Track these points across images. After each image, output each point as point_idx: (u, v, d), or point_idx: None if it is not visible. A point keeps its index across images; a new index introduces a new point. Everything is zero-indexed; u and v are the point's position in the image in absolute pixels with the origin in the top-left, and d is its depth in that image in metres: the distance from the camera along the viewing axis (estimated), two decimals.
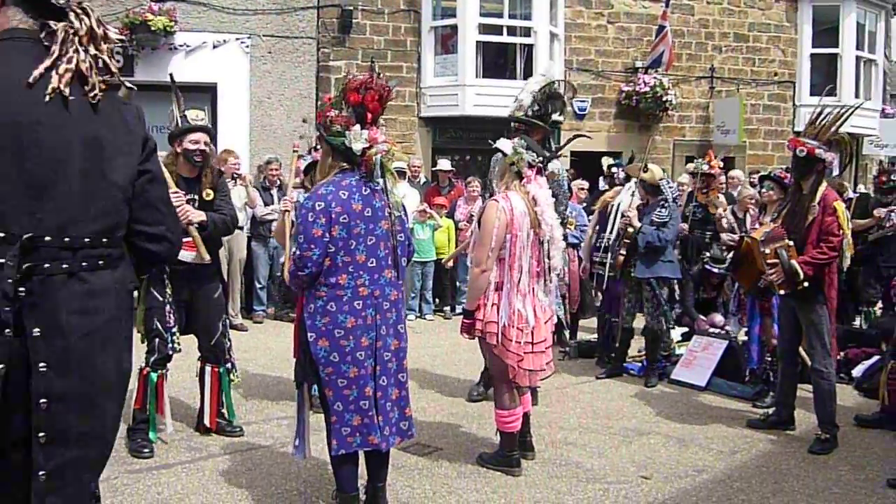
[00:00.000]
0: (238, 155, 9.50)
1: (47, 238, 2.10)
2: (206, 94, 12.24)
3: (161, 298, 4.92)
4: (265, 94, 12.50)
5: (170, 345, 4.93)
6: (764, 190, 6.53)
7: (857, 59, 15.20)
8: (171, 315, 4.94)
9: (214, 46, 12.20)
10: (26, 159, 2.08)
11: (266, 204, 9.60)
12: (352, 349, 3.68)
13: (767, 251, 5.26)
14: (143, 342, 5.05)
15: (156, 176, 2.42)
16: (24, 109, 2.10)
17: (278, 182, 9.83)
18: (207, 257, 4.96)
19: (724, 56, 14.68)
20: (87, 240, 2.17)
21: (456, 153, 12.09)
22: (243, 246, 9.46)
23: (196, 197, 5.07)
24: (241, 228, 9.35)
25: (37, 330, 2.08)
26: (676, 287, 8.15)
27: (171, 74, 5.38)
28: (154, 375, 4.93)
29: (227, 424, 5.31)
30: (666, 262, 6.97)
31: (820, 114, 5.36)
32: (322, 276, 3.66)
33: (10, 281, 2.04)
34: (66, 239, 2.13)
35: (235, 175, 9.24)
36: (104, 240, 2.22)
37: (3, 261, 2.04)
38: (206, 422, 5.24)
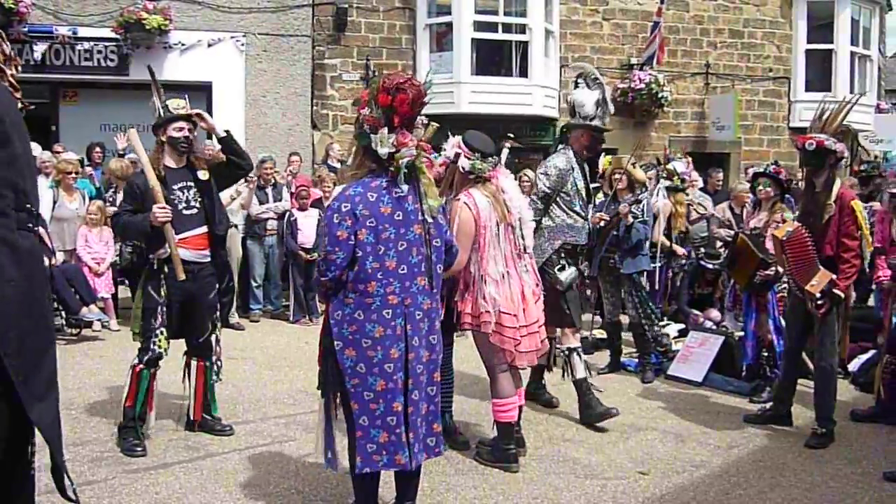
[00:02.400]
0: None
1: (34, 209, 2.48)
2: (201, 92, 12.23)
3: (158, 298, 4.90)
4: (260, 92, 12.50)
5: (155, 345, 4.90)
6: (760, 187, 6.53)
7: (852, 54, 15.24)
8: (161, 316, 4.91)
9: (209, 45, 12.20)
10: (26, 142, 2.45)
11: (261, 203, 9.59)
12: (380, 360, 3.49)
13: (816, 293, 5.16)
14: (135, 340, 5.05)
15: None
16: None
17: (273, 181, 9.81)
18: (182, 276, 4.82)
19: (719, 52, 14.71)
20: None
21: None
22: (239, 245, 9.44)
23: (191, 183, 5.02)
24: (237, 227, 9.35)
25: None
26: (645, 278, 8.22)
27: (149, 66, 5.41)
28: (146, 373, 4.93)
29: (216, 423, 5.30)
30: (644, 255, 7.11)
31: (823, 111, 5.33)
32: (350, 282, 3.50)
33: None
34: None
35: (246, 179, 9.23)
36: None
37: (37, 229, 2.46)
38: (191, 414, 5.24)
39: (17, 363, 2.29)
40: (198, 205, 5.04)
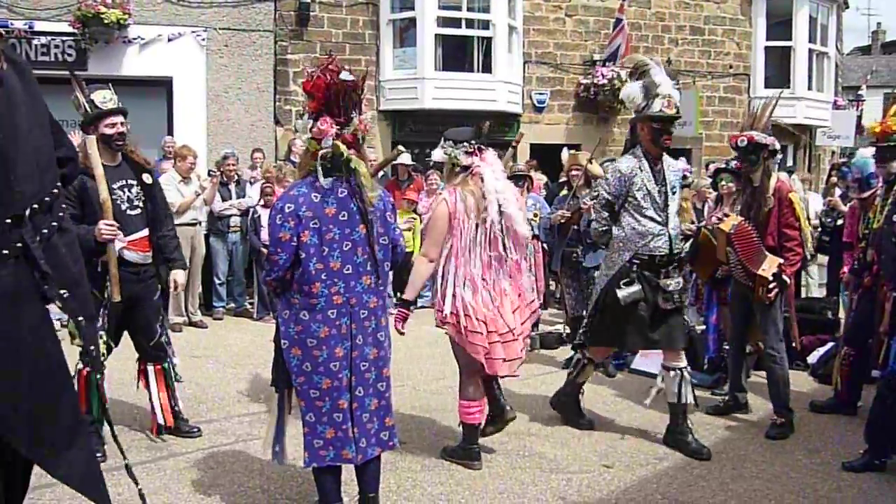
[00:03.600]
0: (196, 152, 9.36)
1: (35, 206, 2.26)
2: (161, 88, 12.09)
3: (99, 299, 4.69)
4: (222, 87, 12.37)
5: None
6: (721, 183, 6.62)
7: (810, 51, 15.51)
8: (101, 318, 4.69)
9: (169, 39, 12.04)
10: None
11: (224, 199, 9.49)
12: (325, 360, 3.52)
13: (768, 276, 5.26)
14: (73, 344, 4.93)
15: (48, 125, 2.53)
16: None
17: (236, 177, 9.72)
18: (118, 298, 4.70)
19: (681, 49, 14.86)
20: (53, 193, 2.38)
21: (415, 146, 12.07)
22: (202, 242, 9.34)
23: (134, 182, 4.87)
24: (200, 224, 9.25)
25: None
26: None
27: (66, 62, 5.19)
28: (94, 376, 4.79)
29: (183, 424, 5.23)
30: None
31: (755, 108, 5.58)
32: (295, 282, 3.51)
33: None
34: (46, 199, 2.31)
35: (210, 173, 9.18)
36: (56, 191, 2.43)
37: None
38: (162, 420, 5.13)
39: (17, 428, 2.07)
40: (141, 204, 4.89)
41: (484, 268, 4.56)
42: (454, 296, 4.48)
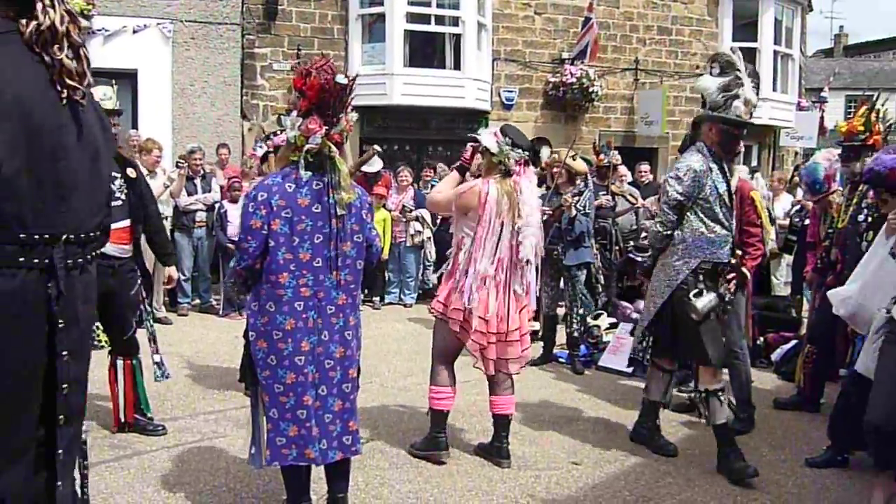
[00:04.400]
0: (161, 145, 9.23)
1: (72, 236, 2.19)
2: (126, 80, 11.86)
3: None
4: (188, 81, 12.21)
5: (94, 341, 4.76)
6: None
7: (775, 53, 15.70)
8: None
9: (135, 31, 11.85)
10: (57, 160, 2.12)
11: (189, 194, 9.38)
12: (290, 353, 3.47)
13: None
14: None
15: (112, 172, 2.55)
16: (47, 112, 2.12)
17: (202, 172, 9.61)
18: None
19: (648, 48, 14.97)
20: (91, 234, 2.28)
21: (384, 142, 12.03)
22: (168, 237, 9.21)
23: (118, 175, 4.87)
24: (166, 219, 9.13)
25: (61, 321, 2.16)
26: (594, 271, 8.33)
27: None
28: None
29: (147, 423, 5.15)
30: (586, 247, 7.15)
31: None
32: (263, 273, 3.48)
33: (62, 280, 2.14)
34: (82, 235, 2.23)
35: (178, 164, 9.07)
36: (98, 233, 2.33)
37: (48, 260, 2.11)
38: (123, 416, 5.08)
39: None
40: (123, 196, 4.90)
41: (500, 267, 4.56)
42: (463, 290, 4.49)
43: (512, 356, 4.66)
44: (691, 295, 4.65)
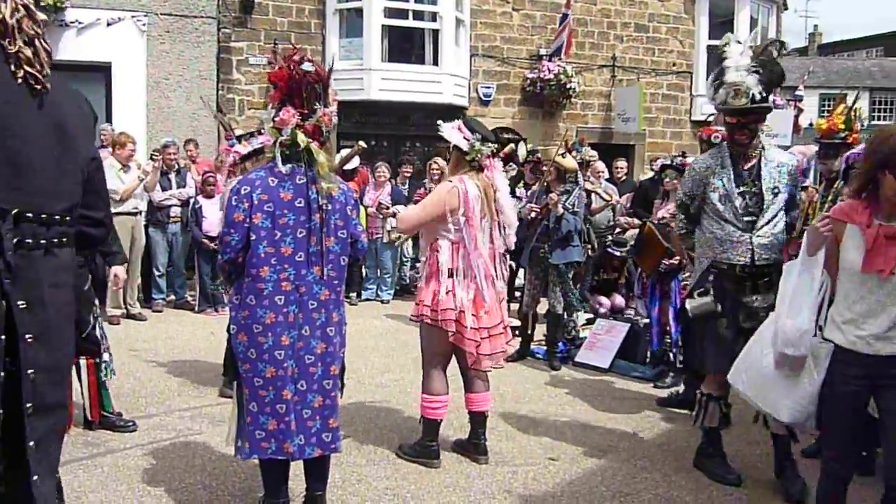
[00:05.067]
0: (135, 139, 9.13)
1: (29, 213, 2.20)
2: (99, 73, 11.74)
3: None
4: (163, 74, 12.08)
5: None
6: (667, 179, 6.69)
7: None
8: None
9: (108, 24, 11.70)
10: (7, 137, 2.16)
11: (164, 189, 9.28)
12: (270, 347, 3.45)
13: None
14: None
15: (100, 163, 2.55)
16: (14, 100, 2.17)
17: (176, 166, 9.51)
18: None
19: (626, 46, 15.03)
20: (57, 217, 2.28)
21: (361, 138, 11.93)
22: (142, 232, 9.12)
23: None
24: (141, 213, 9.04)
25: (21, 302, 2.15)
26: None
27: None
28: None
29: (117, 419, 5.09)
30: (574, 246, 7.11)
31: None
32: (245, 266, 3.47)
33: (9, 252, 2.13)
34: (43, 215, 2.24)
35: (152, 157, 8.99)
36: (68, 218, 2.33)
37: None
38: (89, 415, 5.02)
39: None
40: None
41: (489, 262, 4.58)
42: (450, 291, 4.46)
43: (497, 350, 4.66)
44: (694, 293, 4.52)
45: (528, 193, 7.69)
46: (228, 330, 3.69)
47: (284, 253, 3.46)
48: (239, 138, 5.89)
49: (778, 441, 4.54)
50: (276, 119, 3.48)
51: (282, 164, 3.47)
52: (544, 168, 7.21)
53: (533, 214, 6.92)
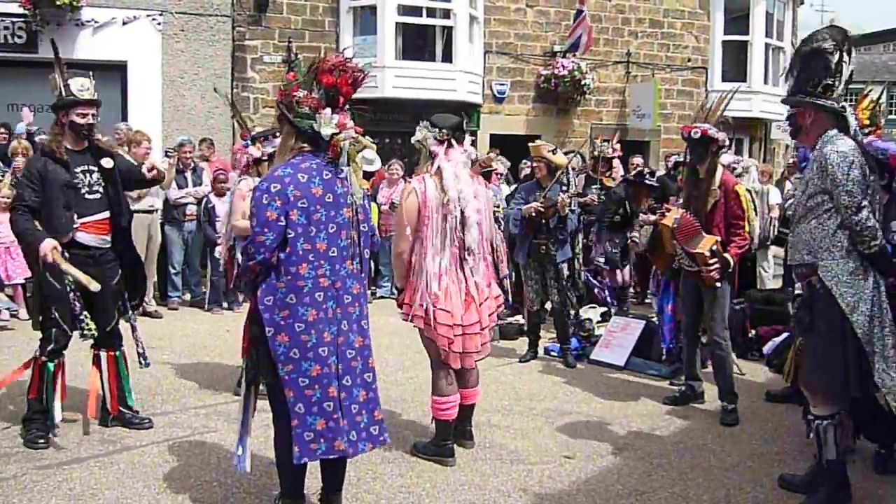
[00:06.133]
0: (150, 137, 9.16)
1: None
2: (115, 72, 11.81)
3: (59, 286, 4.64)
4: (178, 73, 12.14)
5: (85, 330, 4.71)
6: (679, 176, 6.68)
7: (767, 46, 15.70)
8: (77, 302, 4.68)
9: (124, 23, 11.77)
10: None
11: (180, 187, 9.32)
12: (314, 344, 3.42)
13: (705, 252, 5.35)
14: (36, 329, 4.83)
15: None
16: None
17: (192, 165, 9.54)
18: (97, 286, 4.67)
19: (640, 42, 14.96)
20: None
21: (375, 136, 11.94)
22: (158, 230, 9.15)
23: (94, 168, 4.84)
24: (157, 211, 9.08)
25: None
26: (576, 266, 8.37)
27: (52, 40, 5.20)
28: (51, 365, 4.72)
29: (133, 416, 5.12)
30: (568, 243, 7.12)
31: (704, 103, 5.63)
32: (281, 265, 3.40)
33: None
34: None
35: (167, 154, 8.97)
36: None
37: None
38: (108, 407, 5.05)
39: None
40: (101, 189, 4.87)
41: (453, 260, 4.53)
42: (425, 289, 4.45)
43: (471, 349, 4.62)
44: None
45: (521, 187, 7.64)
46: (251, 333, 3.55)
47: (320, 249, 3.44)
48: (254, 139, 5.90)
49: (829, 466, 4.09)
50: (338, 122, 3.49)
51: (344, 166, 3.52)
52: (535, 164, 7.17)
53: (533, 213, 6.85)
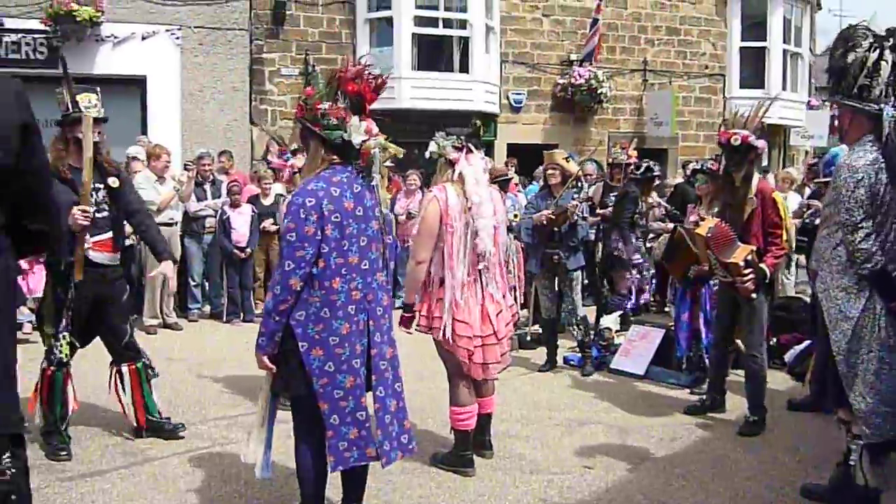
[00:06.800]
0: (170, 151, 9.25)
1: None
2: (135, 86, 11.95)
3: (64, 300, 4.69)
4: (197, 87, 12.25)
5: (56, 348, 4.74)
6: (698, 184, 6.64)
7: (784, 52, 15.63)
8: (65, 319, 4.71)
9: (143, 38, 11.91)
10: None
11: (199, 199, 9.38)
12: (347, 357, 3.44)
13: (740, 262, 5.24)
14: (44, 342, 4.87)
15: (38, 171, 2.38)
16: None
17: (211, 177, 9.61)
18: (80, 277, 4.67)
19: (657, 49, 14.94)
20: None
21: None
22: (178, 243, 9.22)
23: (101, 186, 4.85)
24: (176, 224, 9.14)
25: None
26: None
27: (61, 56, 5.25)
28: (59, 375, 4.76)
29: (165, 423, 5.16)
30: (581, 250, 7.10)
31: (737, 109, 5.53)
32: (315, 279, 3.39)
33: None
34: None
35: (186, 167, 9.08)
36: None
37: None
38: (135, 421, 5.08)
39: None
40: (107, 208, 4.88)
41: (471, 269, 4.53)
42: (442, 299, 4.45)
43: (491, 360, 4.62)
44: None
45: (532, 196, 7.63)
46: (284, 347, 3.49)
47: (352, 262, 3.45)
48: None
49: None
50: (367, 129, 3.50)
51: (376, 175, 3.57)
52: (548, 172, 7.13)
53: (544, 220, 6.83)
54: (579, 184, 7.17)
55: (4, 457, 2.33)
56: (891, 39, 3.88)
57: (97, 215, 4.79)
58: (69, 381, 4.84)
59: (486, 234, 4.54)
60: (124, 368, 5.06)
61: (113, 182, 4.92)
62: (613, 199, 8.82)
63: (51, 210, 2.45)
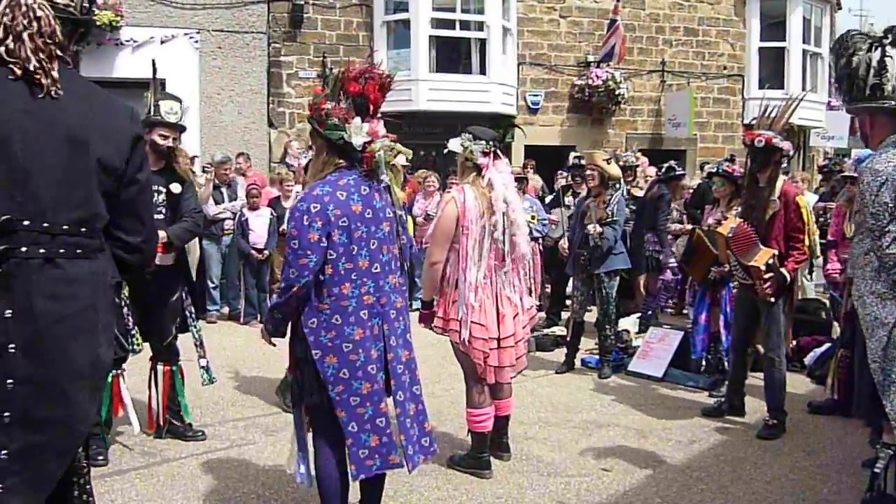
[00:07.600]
0: (188, 153, 9.29)
1: (26, 222, 2.12)
2: None
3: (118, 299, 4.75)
4: (215, 90, 12.33)
5: (129, 346, 4.78)
6: (715, 186, 6.58)
7: (804, 52, 15.51)
8: (130, 317, 4.76)
9: (162, 42, 12.00)
10: (9, 146, 2.11)
11: (217, 202, 9.44)
12: (363, 363, 3.37)
13: (761, 266, 5.20)
14: None
15: (145, 186, 2.44)
16: (9, 100, 2.12)
17: (229, 181, 9.67)
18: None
19: (675, 50, 14.88)
20: (65, 227, 2.18)
21: (409, 148, 11.99)
22: (197, 245, 9.26)
23: (163, 189, 4.91)
24: None
25: (9, 312, 2.10)
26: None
27: (153, 61, 5.33)
28: (108, 377, 4.80)
29: (187, 429, 5.18)
30: (618, 254, 7.01)
31: (766, 107, 5.41)
32: (323, 286, 3.34)
33: None
34: (45, 224, 2.16)
35: (204, 170, 9.11)
36: (82, 229, 2.23)
37: None
38: (160, 420, 5.12)
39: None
40: (164, 210, 4.94)
41: (489, 272, 4.51)
42: (458, 301, 4.44)
43: (506, 363, 4.59)
44: None
45: (576, 201, 7.61)
46: (296, 354, 3.50)
47: (362, 266, 3.39)
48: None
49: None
50: (370, 131, 3.43)
51: (384, 176, 3.47)
52: (587, 173, 7.10)
53: (566, 253, 6.82)
54: (617, 185, 7.11)
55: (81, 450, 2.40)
56: (889, 36, 3.83)
57: (155, 217, 4.85)
58: (119, 382, 4.83)
59: (523, 238, 4.58)
60: (159, 368, 5.13)
61: (174, 188, 4.98)
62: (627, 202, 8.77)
63: (146, 225, 2.49)
